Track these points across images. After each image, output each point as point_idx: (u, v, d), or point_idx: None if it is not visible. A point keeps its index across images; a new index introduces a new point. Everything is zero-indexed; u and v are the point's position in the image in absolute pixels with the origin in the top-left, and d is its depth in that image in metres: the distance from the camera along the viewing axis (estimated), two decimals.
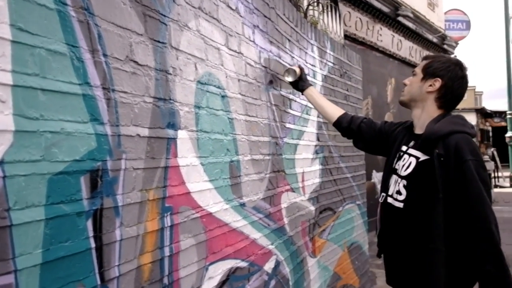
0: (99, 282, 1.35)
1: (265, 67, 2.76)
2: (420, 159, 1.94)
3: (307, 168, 3.50)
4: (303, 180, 3.39)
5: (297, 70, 2.69)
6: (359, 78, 5.01)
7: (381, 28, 9.26)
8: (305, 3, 4.19)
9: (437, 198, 1.86)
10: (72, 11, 1.30)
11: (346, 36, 8.15)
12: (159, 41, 1.71)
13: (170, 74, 1.78)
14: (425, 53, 11.66)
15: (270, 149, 2.78)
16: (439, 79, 1.98)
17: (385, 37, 9.48)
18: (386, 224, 2.10)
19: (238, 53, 2.39)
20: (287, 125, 3.11)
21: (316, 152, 3.76)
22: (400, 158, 2.05)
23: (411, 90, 2.08)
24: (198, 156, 1.95)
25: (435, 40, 11.77)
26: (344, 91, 4.50)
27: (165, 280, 1.68)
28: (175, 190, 1.77)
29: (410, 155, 2.00)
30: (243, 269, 2.34)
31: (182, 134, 1.83)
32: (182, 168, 1.82)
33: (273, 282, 2.72)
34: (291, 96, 3.17)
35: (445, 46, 12.47)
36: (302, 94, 2.78)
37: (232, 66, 2.32)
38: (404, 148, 2.05)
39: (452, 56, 13.16)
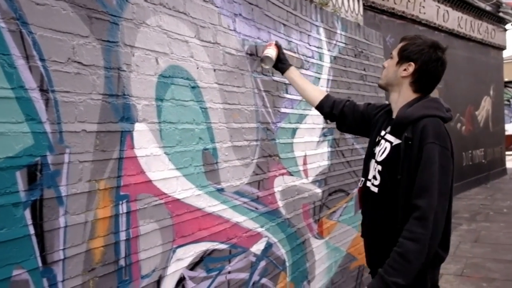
0: (40, 264, 1.51)
1: (251, 54, 2.81)
2: (393, 144, 1.94)
3: (311, 151, 3.52)
4: (304, 163, 3.42)
5: (273, 53, 2.62)
6: (380, 56, 4.89)
7: (424, 0, 8.86)
8: None
9: (398, 180, 1.87)
10: (1, 23, 1.44)
11: (383, 11, 7.91)
12: (108, 41, 1.82)
13: (124, 70, 1.89)
14: (477, 23, 11.04)
15: (258, 135, 2.84)
16: (412, 63, 1.94)
17: (429, 9, 9.06)
18: (365, 207, 2.14)
19: (213, 43, 2.46)
20: (282, 110, 3.15)
21: (324, 135, 3.77)
22: (378, 143, 2.05)
23: (388, 74, 2.06)
24: (162, 146, 2.07)
25: (488, 8, 11.07)
26: (360, 71, 4.42)
27: (122, 262, 1.83)
28: (132, 179, 1.90)
29: (386, 140, 2.00)
30: (222, 251, 2.45)
31: (140, 127, 1.95)
32: (140, 158, 1.95)
33: (263, 263, 2.81)
34: (287, 81, 3.19)
35: (500, 14, 11.70)
36: (283, 75, 2.74)
37: (205, 57, 2.39)
38: (382, 133, 2.06)
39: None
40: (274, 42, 2.69)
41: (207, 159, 2.36)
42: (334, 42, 4.02)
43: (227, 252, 2.49)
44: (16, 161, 1.46)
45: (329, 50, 3.92)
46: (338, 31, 4.09)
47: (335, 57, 4.00)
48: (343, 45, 4.16)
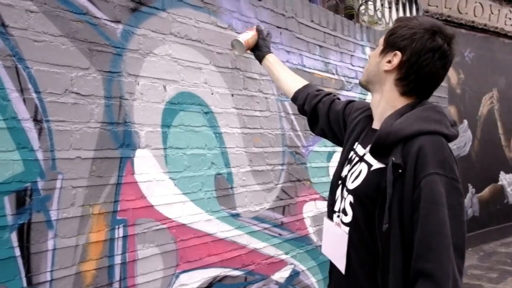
0: (25, 284, 1.60)
1: None
2: (373, 168, 1.34)
3: None
4: None
5: (246, 37, 2.13)
6: None
7: (510, 11, 8.21)
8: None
9: (387, 228, 1.25)
10: None
11: (461, 25, 7.47)
12: (110, 71, 1.91)
13: (127, 99, 1.97)
14: None
15: (285, 159, 2.79)
16: (399, 52, 1.36)
17: None
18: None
19: (231, 68, 2.48)
20: None
21: None
22: (351, 161, 1.45)
23: (369, 68, 1.48)
24: (167, 171, 2.11)
25: None
26: None
27: (116, 285, 1.88)
28: (131, 204, 1.95)
29: (362, 159, 1.40)
30: (236, 278, 2.42)
31: (142, 153, 2.01)
32: (141, 183, 2.00)
33: None
34: None
35: None
36: (261, 64, 2.17)
37: (221, 82, 2.42)
38: (358, 148, 1.45)
39: None
40: (254, 27, 2.21)
41: (220, 184, 2.37)
42: None
43: (242, 279, 2.46)
44: (4, 187, 1.57)
45: None
46: None
47: None
48: None
